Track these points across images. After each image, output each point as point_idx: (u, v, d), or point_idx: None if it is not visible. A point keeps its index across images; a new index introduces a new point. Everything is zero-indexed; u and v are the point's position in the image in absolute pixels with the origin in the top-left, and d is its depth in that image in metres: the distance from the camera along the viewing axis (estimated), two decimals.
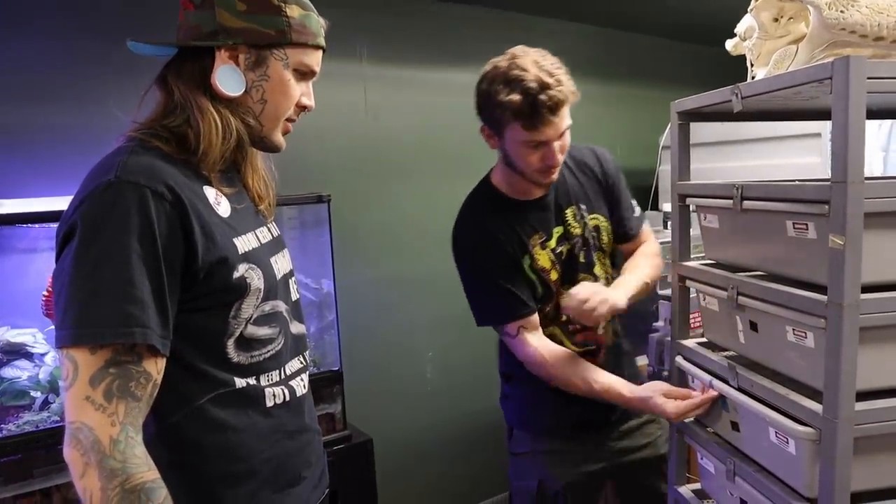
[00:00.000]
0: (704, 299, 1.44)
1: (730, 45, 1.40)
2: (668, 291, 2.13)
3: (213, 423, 0.93)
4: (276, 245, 1.07)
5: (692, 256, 1.52)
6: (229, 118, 0.96)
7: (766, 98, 1.20)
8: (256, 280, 0.94)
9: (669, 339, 2.16)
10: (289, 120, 1.04)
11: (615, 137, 3.07)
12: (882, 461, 1.08)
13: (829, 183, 1.00)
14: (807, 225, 1.10)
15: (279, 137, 1.04)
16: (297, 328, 1.07)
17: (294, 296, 1.08)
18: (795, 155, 2.40)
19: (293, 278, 1.10)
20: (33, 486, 1.41)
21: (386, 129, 2.38)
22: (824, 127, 2.26)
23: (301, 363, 1.08)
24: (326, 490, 1.17)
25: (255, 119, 0.99)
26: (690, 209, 1.49)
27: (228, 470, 0.94)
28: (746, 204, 1.23)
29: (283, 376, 1.01)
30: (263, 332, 0.97)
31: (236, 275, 0.91)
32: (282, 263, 1.05)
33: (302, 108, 1.04)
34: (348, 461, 1.79)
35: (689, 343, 1.49)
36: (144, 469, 0.81)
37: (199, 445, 0.92)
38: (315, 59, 1.02)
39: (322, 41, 1.02)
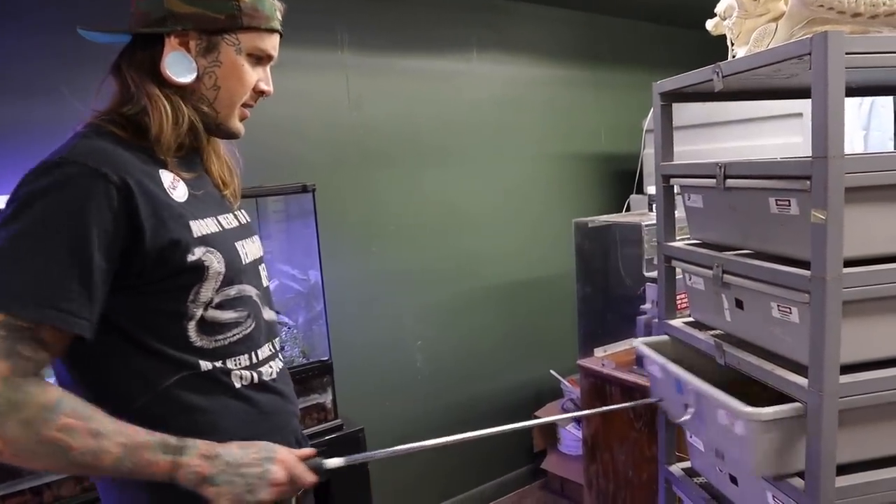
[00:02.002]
0: (690, 279, 1.45)
1: (710, 24, 1.40)
2: (654, 274, 2.16)
3: (181, 406, 0.92)
4: (243, 231, 1.06)
5: (677, 238, 1.53)
6: (180, 105, 0.95)
7: (747, 76, 1.20)
8: (216, 264, 0.94)
9: (657, 320, 2.20)
10: (245, 105, 1.02)
11: (599, 122, 3.08)
12: (867, 433, 1.10)
13: (810, 158, 1.01)
14: (789, 201, 1.11)
15: (236, 124, 1.03)
16: (268, 314, 1.06)
17: (265, 282, 1.08)
18: (777, 135, 2.42)
19: (263, 265, 1.10)
20: (22, 484, 1.40)
21: (369, 119, 2.37)
22: (805, 107, 2.26)
23: (271, 350, 1.05)
24: None
25: (210, 106, 0.98)
26: (675, 190, 1.50)
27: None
28: (730, 182, 1.24)
29: (253, 361, 1.00)
30: (228, 315, 0.96)
31: (192, 258, 0.91)
32: (250, 249, 1.05)
33: (260, 93, 1.03)
34: (340, 451, 1.78)
35: (676, 323, 1.50)
36: (38, 393, 0.80)
37: (167, 428, 0.90)
38: (271, 44, 1.00)
39: (277, 24, 1.00)
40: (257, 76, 1.00)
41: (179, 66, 0.94)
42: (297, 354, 1.88)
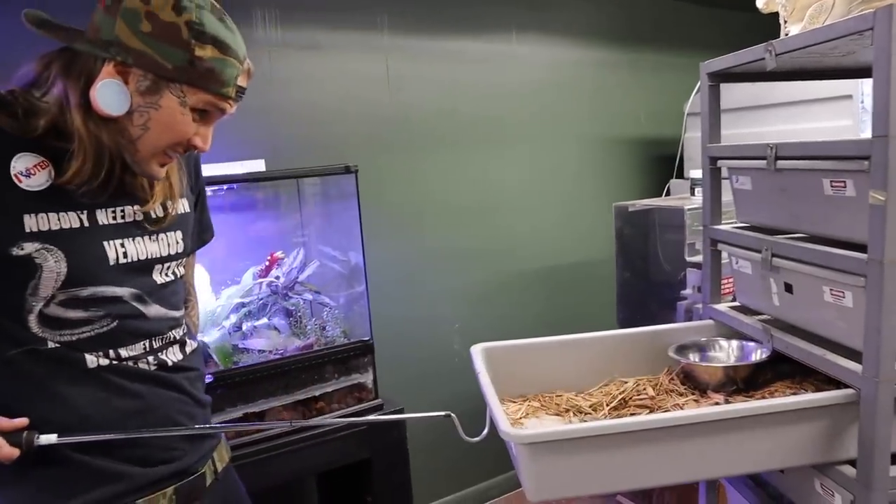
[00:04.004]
0: (737, 262, 1.42)
1: (761, 2, 1.37)
2: (697, 258, 2.13)
3: (26, 376, 0.90)
4: (141, 227, 0.97)
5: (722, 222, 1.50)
6: (104, 148, 0.88)
7: (801, 55, 1.17)
8: (52, 263, 0.87)
9: (698, 305, 2.17)
10: (170, 153, 0.94)
11: (639, 105, 3.03)
12: None
13: (869, 138, 0.98)
14: (845, 182, 1.08)
15: (154, 168, 0.94)
16: (155, 311, 0.99)
17: (159, 279, 1.00)
18: (825, 119, 2.35)
19: (168, 263, 1.02)
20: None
21: (408, 101, 2.37)
22: (855, 88, 2.21)
23: (145, 349, 0.99)
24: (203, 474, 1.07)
25: (131, 143, 0.90)
26: (721, 173, 1.47)
27: (49, 417, 0.90)
28: (781, 163, 1.21)
29: (113, 357, 0.95)
30: (75, 314, 0.91)
31: (18, 252, 0.86)
32: (140, 248, 0.97)
33: (191, 146, 0.94)
34: (381, 430, 1.81)
35: (722, 307, 1.48)
36: None
37: (15, 397, 0.90)
38: (221, 105, 0.92)
39: (230, 93, 0.91)
40: (193, 130, 0.92)
41: (112, 98, 0.86)
42: (338, 334, 1.90)
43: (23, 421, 0.89)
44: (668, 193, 2.82)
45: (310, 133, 2.14)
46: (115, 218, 0.94)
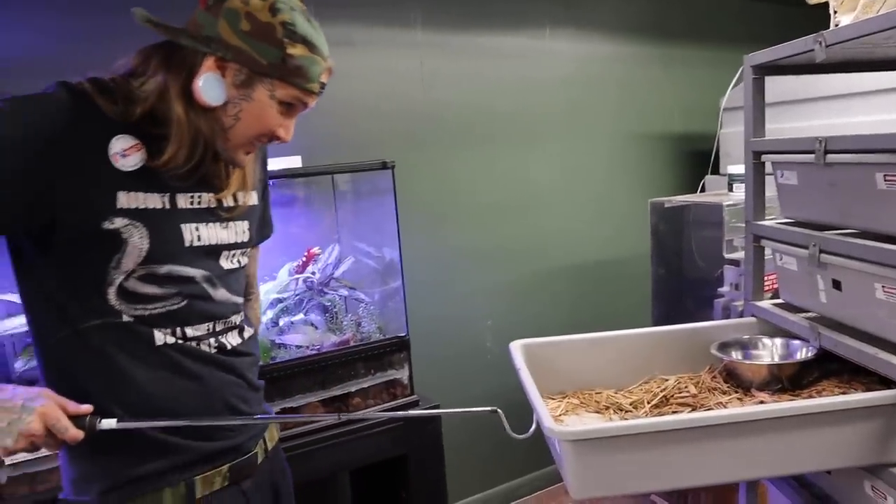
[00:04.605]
0: (781, 259, 1.40)
1: None
2: (736, 255, 2.09)
3: (95, 349, 0.95)
4: (215, 214, 1.04)
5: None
6: (200, 134, 0.96)
7: (853, 45, 1.15)
8: (137, 238, 0.94)
9: (735, 303, 2.13)
10: (255, 143, 1.02)
11: (673, 101, 2.99)
12: None
13: None
14: None
15: (241, 156, 1.02)
16: (222, 295, 1.05)
17: (226, 265, 1.06)
18: (871, 112, 2.29)
19: (234, 251, 1.08)
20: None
21: (442, 97, 2.37)
22: None
23: (209, 330, 1.04)
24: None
25: (223, 131, 0.98)
26: (765, 168, 1.44)
27: (112, 393, 0.96)
28: (830, 157, 1.18)
29: (179, 336, 1.00)
30: (150, 290, 0.96)
31: (108, 225, 0.92)
32: (213, 233, 1.03)
33: (275, 138, 1.02)
34: (417, 426, 1.81)
35: (765, 304, 1.45)
36: None
37: (81, 368, 0.95)
38: (305, 99, 1.00)
39: (315, 88, 0.99)
40: (279, 122, 1.00)
41: (212, 90, 0.94)
42: (373, 330, 1.91)
43: (88, 408, 0.93)
44: (702, 190, 2.78)
45: (344, 130, 2.15)
46: (192, 203, 1.01)
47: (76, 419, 0.92)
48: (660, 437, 0.98)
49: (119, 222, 0.93)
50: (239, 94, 0.95)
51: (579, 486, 1.00)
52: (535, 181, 2.63)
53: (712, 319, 2.16)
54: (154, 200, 0.96)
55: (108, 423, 0.93)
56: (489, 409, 1.08)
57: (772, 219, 1.47)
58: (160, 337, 0.98)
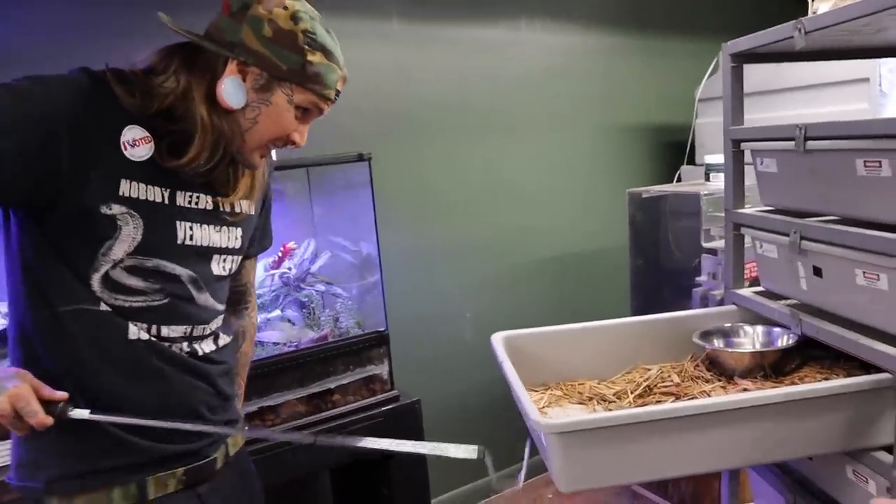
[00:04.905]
0: (761, 247, 1.40)
1: None
2: (713, 245, 2.11)
3: (70, 334, 0.94)
4: (208, 216, 1.03)
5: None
6: (223, 137, 0.98)
7: (833, 32, 1.15)
8: (131, 228, 0.95)
9: (714, 292, 2.15)
10: (270, 147, 1.04)
11: (649, 92, 3.00)
12: None
13: None
14: (880, 162, 1.05)
15: (256, 159, 1.04)
16: (205, 299, 1.04)
17: (215, 270, 1.06)
18: (840, 103, 2.32)
19: (225, 256, 1.07)
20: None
21: (418, 90, 2.34)
22: (873, 71, 2.18)
23: (186, 333, 1.02)
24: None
25: (240, 134, 1.00)
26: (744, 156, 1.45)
27: (74, 380, 0.95)
28: (811, 144, 1.19)
29: (154, 333, 0.99)
30: (132, 282, 0.96)
31: (106, 210, 0.93)
32: (206, 235, 1.03)
33: (290, 142, 1.04)
34: (397, 422, 1.79)
35: (746, 292, 1.45)
36: None
37: (55, 352, 0.95)
38: (322, 105, 1.03)
39: (332, 95, 1.02)
40: (294, 127, 1.02)
41: (234, 93, 0.96)
42: (351, 325, 1.88)
43: (63, 395, 0.92)
44: (678, 180, 2.79)
45: (319, 123, 2.07)
46: (190, 202, 1.01)
47: (48, 405, 0.91)
48: (648, 428, 0.98)
49: (117, 209, 0.93)
50: (258, 98, 0.98)
51: (567, 479, 0.99)
52: (513, 173, 2.62)
53: (691, 308, 2.17)
54: (154, 193, 0.97)
55: (80, 413, 0.92)
56: (474, 448, 1.03)
57: (750, 207, 1.47)
58: (134, 331, 0.97)
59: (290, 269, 1.87)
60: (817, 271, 1.23)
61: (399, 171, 2.32)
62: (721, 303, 2.07)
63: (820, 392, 1.04)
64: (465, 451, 1.03)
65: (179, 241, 1.00)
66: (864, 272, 1.10)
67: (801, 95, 2.44)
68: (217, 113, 0.97)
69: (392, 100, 2.29)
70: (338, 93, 1.04)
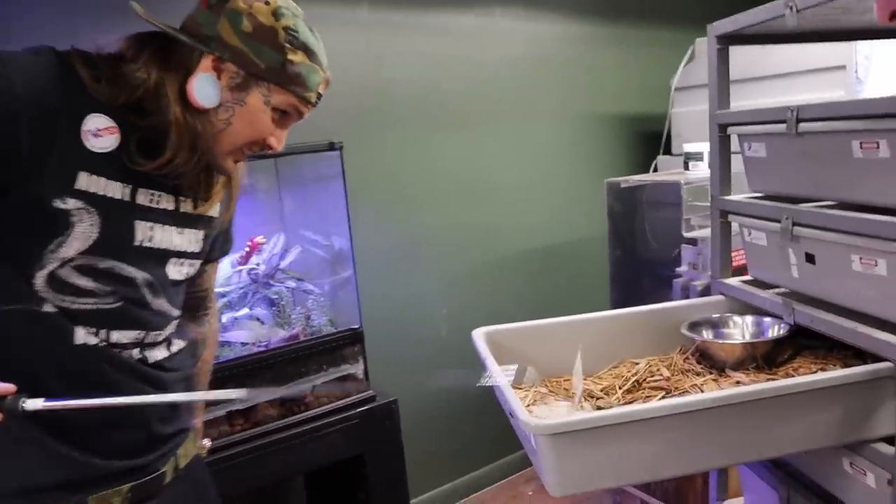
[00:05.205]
0: (749, 234, 1.35)
1: None
2: (694, 234, 2.07)
3: (4, 338, 0.86)
4: (173, 218, 0.96)
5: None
6: (197, 133, 0.90)
7: (825, 10, 1.10)
8: (87, 225, 0.87)
9: (694, 283, 2.11)
10: (244, 151, 0.97)
11: (624, 81, 2.96)
12: None
13: None
14: (877, 143, 1.01)
15: (229, 164, 0.97)
16: (160, 304, 0.97)
17: (172, 274, 0.98)
18: (816, 90, 2.30)
19: (183, 260, 0.99)
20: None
21: (390, 79, 2.26)
22: (849, 58, 2.17)
23: (137, 339, 0.94)
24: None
25: (212, 136, 0.93)
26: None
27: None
28: (803, 126, 1.14)
29: (103, 338, 0.91)
30: (82, 282, 0.88)
31: (60, 204, 0.84)
32: (165, 237, 0.95)
33: (266, 146, 0.97)
34: (373, 423, 1.72)
35: (733, 282, 1.41)
36: None
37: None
38: (301, 108, 0.96)
39: (312, 98, 0.96)
40: (270, 130, 0.96)
41: (206, 90, 0.90)
42: (324, 323, 1.80)
43: (10, 387, 0.83)
44: (655, 170, 2.76)
45: None
46: (151, 201, 0.94)
47: None
48: (646, 426, 0.92)
49: (72, 203, 0.85)
50: (233, 98, 0.91)
51: (559, 482, 0.93)
52: (488, 164, 2.55)
53: (671, 300, 2.14)
54: (115, 189, 0.89)
55: (34, 404, 0.83)
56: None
57: (735, 195, 1.43)
58: (81, 335, 0.89)
59: (258, 264, 1.79)
60: (810, 258, 1.19)
61: (371, 162, 2.24)
62: (703, 293, 2.03)
63: (822, 383, 0.99)
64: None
65: (137, 243, 0.92)
66: (860, 258, 1.06)
67: (777, 84, 2.42)
68: (190, 112, 0.90)
69: (363, 89, 2.21)
70: (319, 96, 0.98)
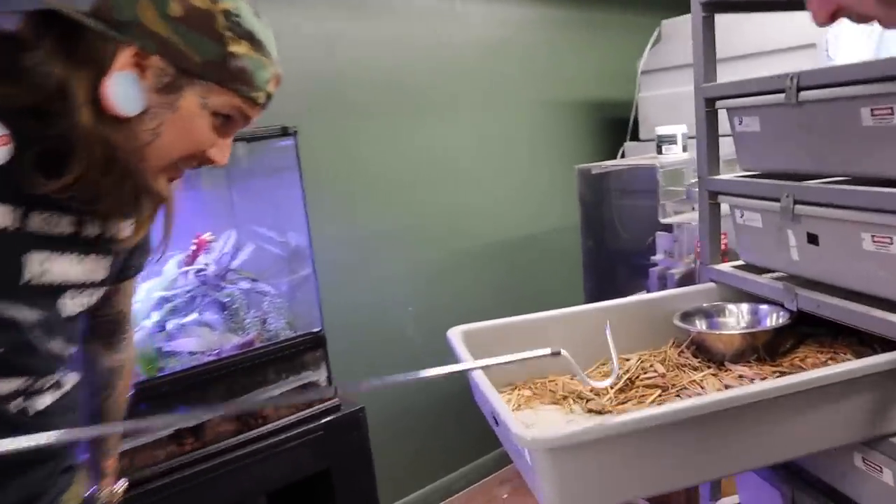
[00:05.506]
0: (742, 216, 1.26)
1: None
2: (671, 220, 1.99)
3: None
4: (73, 244, 0.78)
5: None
6: (115, 145, 0.71)
7: None
8: None
9: (671, 271, 2.03)
10: (180, 167, 0.79)
11: (588, 66, 2.87)
12: None
13: None
14: (892, 108, 0.92)
15: (160, 184, 0.77)
16: (53, 347, 0.80)
17: (71, 310, 0.81)
18: (786, 69, 2.25)
19: (83, 290, 0.82)
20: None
21: (348, 64, 2.11)
22: (819, 36, 2.12)
23: (25, 384, 0.78)
24: None
25: (138, 150, 0.73)
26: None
27: None
28: (805, 95, 1.05)
29: None
30: None
31: None
32: (63, 268, 0.77)
33: (207, 161, 0.80)
34: (340, 435, 1.57)
35: (725, 267, 1.32)
36: None
37: None
38: (248, 112, 0.79)
39: (261, 98, 0.78)
40: (211, 140, 0.78)
41: (126, 93, 0.70)
42: (282, 327, 1.64)
43: None
44: (622, 156, 2.68)
45: None
46: (47, 226, 0.74)
47: None
48: (658, 432, 0.81)
49: None
50: (161, 102, 0.73)
51: (561, 502, 0.81)
52: (453, 152, 2.43)
53: (648, 289, 2.05)
54: (2, 215, 0.70)
55: None
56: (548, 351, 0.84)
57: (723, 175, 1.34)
58: None
59: (207, 265, 1.62)
60: (812, 239, 1.10)
61: (329, 151, 2.09)
62: (681, 281, 1.95)
63: (852, 373, 0.89)
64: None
65: (26, 279, 0.73)
66: (872, 235, 0.97)
67: (746, 64, 2.36)
68: (105, 121, 0.70)
69: (319, 73, 2.06)
70: (269, 96, 0.80)
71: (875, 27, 2.30)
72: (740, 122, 1.23)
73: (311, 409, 1.58)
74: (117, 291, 0.93)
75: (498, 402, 0.93)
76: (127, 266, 0.91)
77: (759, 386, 0.84)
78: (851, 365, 0.91)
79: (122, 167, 0.72)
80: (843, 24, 1.88)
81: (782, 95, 1.09)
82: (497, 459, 2.61)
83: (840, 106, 1.00)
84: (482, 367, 0.94)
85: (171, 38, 0.70)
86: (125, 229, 0.83)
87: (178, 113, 0.73)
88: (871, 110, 0.95)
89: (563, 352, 0.94)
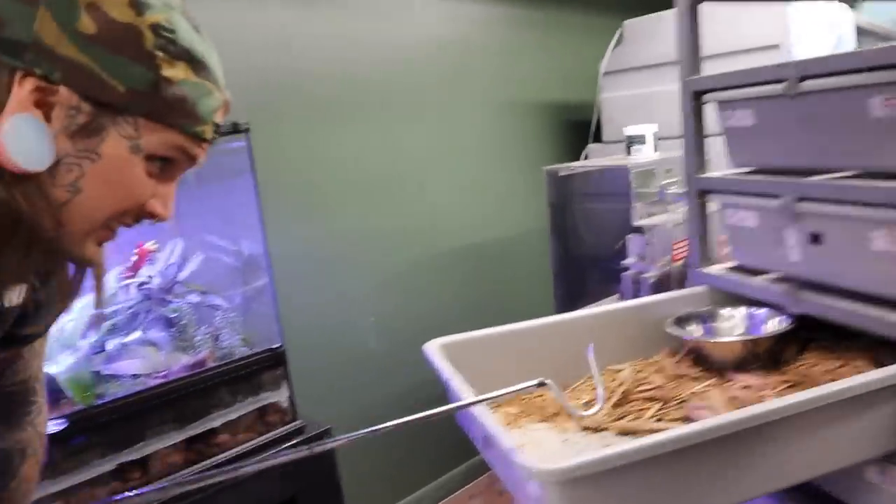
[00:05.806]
0: (734, 215, 1.20)
1: None
2: (644, 222, 1.93)
3: None
4: None
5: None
6: (17, 208, 0.54)
7: None
8: None
9: (645, 275, 1.97)
10: (113, 226, 0.62)
11: (550, 67, 2.82)
12: None
13: None
14: None
15: (89, 249, 0.61)
16: None
17: None
18: None
19: None
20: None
21: (302, 62, 1.98)
22: (783, 37, 2.11)
23: None
24: None
25: (52, 215, 0.56)
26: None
27: None
28: (806, 85, 0.99)
29: None
30: None
31: None
32: None
33: (147, 214, 0.63)
34: (305, 459, 1.43)
35: (717, 270, 1.25)
36: None
37: None
38: (193, 151, 0.62)
39: (207, 132, 0.61)
40: (150, 190, 0.61)
41: (25, 142, 0.53)
42: (237, 343, 1.50)
43: None
44: (585, 159, 2.63)
45: None
46: None
47: None
48: (679, 456, 0.71)
49: None
50: (77, 149, 0.55)
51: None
52: (413, 155, 2.32)
53: (623, 295, 1.99)
54: None
55: None
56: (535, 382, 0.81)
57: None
58: None
59: (151, 277, 1.47)
60: (815, 238, 1.04)
61: (283, 156, 1.95)
62: (656, 286, 1.90)
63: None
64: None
65: None
66: (885, 234, 0.91)
67: (709, 65, 2.34)
68: (3, 177, 0.54)
69: (270, 73, 1.92)
70: (217, 128, 0.63)
71: (836, 27, 2.32)
72: (732, 116, 1.17)
73: (272, 434, 1.44)
74: (20, 357, 0.74)
75: (493, 426, 0.82)
76: (22, 328, 0.68)
77: (796, 397, 0.76)
78: (892, 370, 0.83)
79: (29, 235, 0.55)
80: (805, 25, 1.86)
81: (780, 87, 1.03)
82: (466, 473, 2.51)
83: (846, 96, 0.94)
84: (470, 405, 0.85)
85: (83, 62, 0.53)
86: (14, 296, 0.63)
87: (101, 161, 0.56)
88: (884, 100, 0.89)
89: (549, 381, 0.91)
